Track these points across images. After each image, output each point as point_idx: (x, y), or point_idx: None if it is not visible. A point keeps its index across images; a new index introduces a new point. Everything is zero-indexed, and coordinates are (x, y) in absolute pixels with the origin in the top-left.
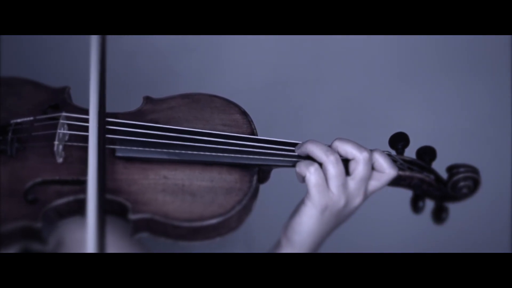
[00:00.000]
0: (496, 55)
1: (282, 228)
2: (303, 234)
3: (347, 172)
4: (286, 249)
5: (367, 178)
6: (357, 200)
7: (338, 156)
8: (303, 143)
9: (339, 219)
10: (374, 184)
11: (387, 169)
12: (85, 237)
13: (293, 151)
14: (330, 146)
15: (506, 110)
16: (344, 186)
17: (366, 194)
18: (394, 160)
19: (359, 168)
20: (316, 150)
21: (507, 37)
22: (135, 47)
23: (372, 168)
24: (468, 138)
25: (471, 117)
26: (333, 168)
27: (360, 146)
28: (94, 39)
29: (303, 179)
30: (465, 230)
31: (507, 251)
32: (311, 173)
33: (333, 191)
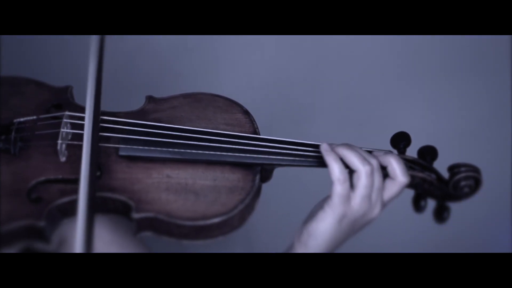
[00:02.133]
0: (496, 55)
1: (295, 233)
2: (318, 239)
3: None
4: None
5: (381, 187)
6: (375, 211)
7: (373, 168)
8: (338, 145)
9: (354, 228)
10: (387, 193)
11: (399, 176)
12: (75, 236)
13: (295, 149)
14: (334, 148)
15: (506, 110)
16: (368, 197)
17: (383, 203)
18: None
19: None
20: (352, 157)
21: (507, 37)
22: (136, 47)
23: (387, 175)
24: (468, 138)
25: (471, 116)
26: (366, 179)
27: (368, 154)
28: (94, 39)
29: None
30: (465, 230)
31: (507, 251)
32: (340, 183)
33: (356, 200)
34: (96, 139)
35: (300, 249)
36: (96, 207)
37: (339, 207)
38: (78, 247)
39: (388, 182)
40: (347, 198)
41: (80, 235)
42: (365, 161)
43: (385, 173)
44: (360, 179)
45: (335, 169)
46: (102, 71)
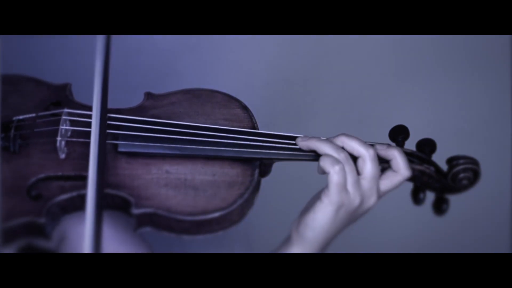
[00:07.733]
0: (496, 55)
1: (293, 224)
2: (316, 230)
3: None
4: (297, 245)
5: (377, 176)
6: (371, 200)
7: (347, 154)
8: (308, 138)
9: (351, 219)
10: (386, 184)
11: (402, 169)
12: (84, 233)
13: (294, 144)
14: (334, 139)
15: (506, 109)
16: (358, 184)
17: (379, 194)
18: None
19: (367, 167)
20: (325, 148)
21: (507, 37)
22: (137, 46)
23: (389, 166)
24: (468, 138)
25: (471, 117)
26: (371, 163)
27: (365, 143)
28: (100, 40)
29: (323, 172)
30: (465, 229)
31: (507, 251)
32: (336, 172)
33: (348, 189)
34: (103, 137)
35: (297, 240)
36: (104, 206)
37: (337, 197)
38: (87, 247)
39: (390, 173)
40: (344, 187)
41: (89, 235)
42: (367, 145)
43: (385, 166)
44: (366, 164)
45: (334, 164)
46: (109, 69)
